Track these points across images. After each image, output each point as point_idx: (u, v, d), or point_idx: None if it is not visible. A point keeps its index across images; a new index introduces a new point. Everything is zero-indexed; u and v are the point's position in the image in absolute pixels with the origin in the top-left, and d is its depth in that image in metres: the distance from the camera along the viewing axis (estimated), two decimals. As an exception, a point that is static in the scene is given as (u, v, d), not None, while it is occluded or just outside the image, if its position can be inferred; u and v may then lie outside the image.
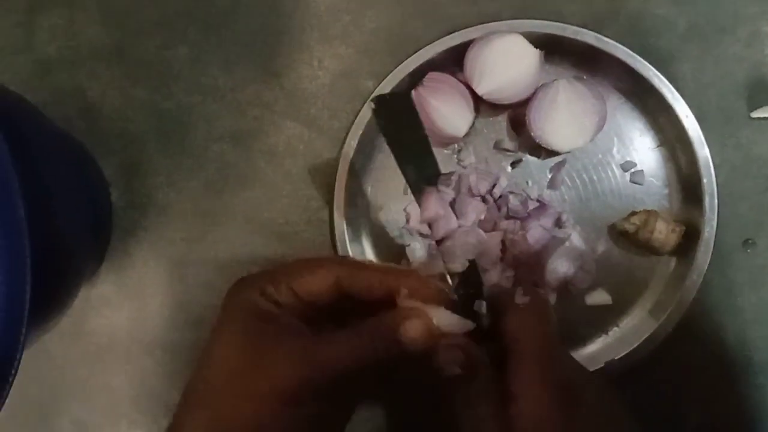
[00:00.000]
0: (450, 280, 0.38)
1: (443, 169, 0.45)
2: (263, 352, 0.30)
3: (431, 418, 0.41)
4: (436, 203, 0.41)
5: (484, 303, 0.36)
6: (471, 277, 0.37)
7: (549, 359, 0.31)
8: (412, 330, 0.31)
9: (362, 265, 0.34)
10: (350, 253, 0.45)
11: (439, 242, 0.42)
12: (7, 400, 0.29)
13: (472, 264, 0.38)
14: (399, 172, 0.45)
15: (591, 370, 0.43)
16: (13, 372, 0.30)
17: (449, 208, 0.42)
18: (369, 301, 0.32)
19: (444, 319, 0.33)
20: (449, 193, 0.43)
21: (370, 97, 0.44)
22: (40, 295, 0.30)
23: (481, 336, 0.34)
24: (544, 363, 0.30)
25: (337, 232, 0.45)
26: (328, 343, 0.31)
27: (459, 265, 0.40)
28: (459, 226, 0.42)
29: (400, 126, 0.41)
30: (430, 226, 0.42)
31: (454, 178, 0.44)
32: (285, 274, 0.33)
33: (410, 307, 0.32)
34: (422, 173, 0.41)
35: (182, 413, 0.32)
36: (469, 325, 0.33)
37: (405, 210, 0.46)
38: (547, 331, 0.32)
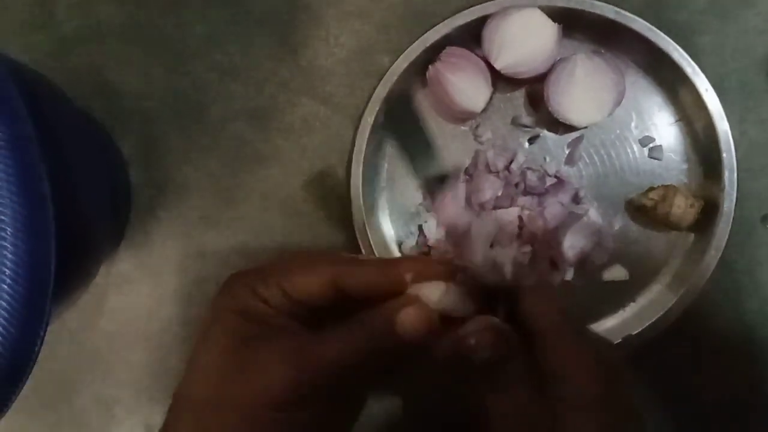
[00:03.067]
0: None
1: (461, 148, 0.46)
2: (250, 356, 0.28)
3: (447, 408, 0.40)
4: (450, 205, 0.42)
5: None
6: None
7: (579, 334, 0.29)
8: (408, 319, 0.28)
9: (359, 261, 0.31)
10: (367, 231, 0.45)
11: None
12: (30, 375, 0.30)
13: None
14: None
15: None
16: (37, 347, 0.30)
17: (462, 207, 0.42)
18: (371, 300, 0.30)
19: (448, 298, 0.30)
20: (458, 195, 0.43)
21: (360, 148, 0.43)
22: (62, 271, 0.31)
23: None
24: (577, 338, 0.29)
25: (354, 209, 0.45)
26: (319, 341, 0.28)
27: (481, 258, 0.41)
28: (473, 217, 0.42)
29: (410, 128, 0.43)
30: (446, 232, 0.43)
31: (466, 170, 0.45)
32: (276, 273, 0.30)
33: (409, 294, 0.30)
34: (432, 174, 0.42)
35: (172, 418, 0.30)
36: (470, 309, 0.31)
37: (420, 187, 0.46)
38: (561, 304, 0.30)
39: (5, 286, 0.29)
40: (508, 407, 0.28)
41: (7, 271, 0.29)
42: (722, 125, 0.43)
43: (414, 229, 0.46)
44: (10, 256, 0.29)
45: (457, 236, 0.42)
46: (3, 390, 0.29)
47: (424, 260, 0.32)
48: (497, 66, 0.42)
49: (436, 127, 0.46)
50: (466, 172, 0.46)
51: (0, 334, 0.28)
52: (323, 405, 0.29)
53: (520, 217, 0.45)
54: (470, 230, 0.42)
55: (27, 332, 0.29)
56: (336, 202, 0.47)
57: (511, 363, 0.29)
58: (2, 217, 0.29)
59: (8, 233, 0.29)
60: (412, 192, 0.47)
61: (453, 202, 0.42)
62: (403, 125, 0.43)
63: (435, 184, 0.44)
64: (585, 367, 0.28)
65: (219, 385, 0.28)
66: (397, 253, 0.46)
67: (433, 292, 0.30)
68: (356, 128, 0.46)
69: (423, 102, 0.46)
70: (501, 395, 0.29)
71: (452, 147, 0.46)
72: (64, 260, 0.31)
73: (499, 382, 0.29)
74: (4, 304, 0.29)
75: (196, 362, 0.30)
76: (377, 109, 0.45)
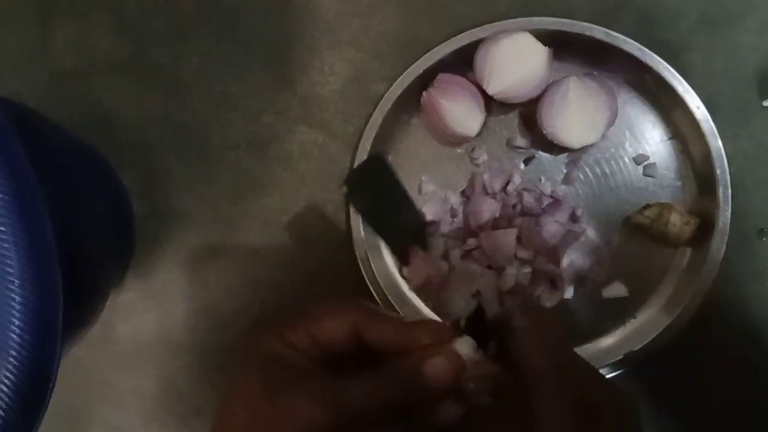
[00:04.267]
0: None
1: (457, 171, 0.46)
2: (281, 398, 0.29)
3: None
4: (423, 264, 0.43)
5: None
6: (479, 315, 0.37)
7: (557, 376, 0.30)
8: (437, 367, 0.30)
9: (381, 315, 0.32)
10: (368, 256, 0.45)
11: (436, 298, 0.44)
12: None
13: (478, 305, 0.39)
14: (413, 173, 0.46)
15: (610, 361, 0.44)
16: (50, 386, 0.31)
17: (438, 263, 0.44)
18: (386, 352, 0.31)
19: (464, 348, 0.31)
20: (437, 245, 0.45)
21: (343, 182, 0.45)
22: (70, 309, 0.31)
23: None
24: (553, 381, 0.29)
25: (354, 235, 0.46)
26: (349, 385, 0.29)
27: (464, 306, 0.42)
28: (450, 270, 0.44)
29: (376, 194, 0.43)
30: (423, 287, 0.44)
31: (442, 225, 0.46)
32: (303, 318, 0.31)
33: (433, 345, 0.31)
34: (407, 233, 0.44)
35: None
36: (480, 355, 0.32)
37: (421, 210, 0.47)
38: (549, 348, 0.31)
39: (15, 336, 0.29)
40: None
41: (16, 321, 0.29)
42: (715, 142, 0.43)
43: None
44: (18, 307, 0.29)
45: (435, 290, 0.43)
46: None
47: (440, 327, 0.32)
48: (489, 92, 0.43)
49: (432, 150, 0.47)
50: (463, 194, 0.47)
51: (10, 389, 0.28)
52: None
53: (518, 238, 0.45)
54: (448, 288, 0.43)
55: (37, 381, 0.30)
56: (337, 229, 0.47)
57: (506, 406, 0.30)
58: (9, 270, 0.29)
59: (16, 285, 0.29)
60: (410, 215, 0.47)
61: (425, 260, 0.43)
62: (371, 193, 0.44)
63: (410, 241, 0.45)
64: (555, 409, 0.29)
65: (253, 426, 0.29)
66: (398, 278, 0.47)
67: (464, 347, 0.31)
68: (353, 154, 0.46)
69: (418, 126, 0.47)
70: None
71: (448, 170, 0.47)
72: (73, 298, 0.31)
73: (493, 424, 0.30)
74: (14, 353, 0.29)
75: (228, 406, 0.31)
76: (373, 135, 0.46)
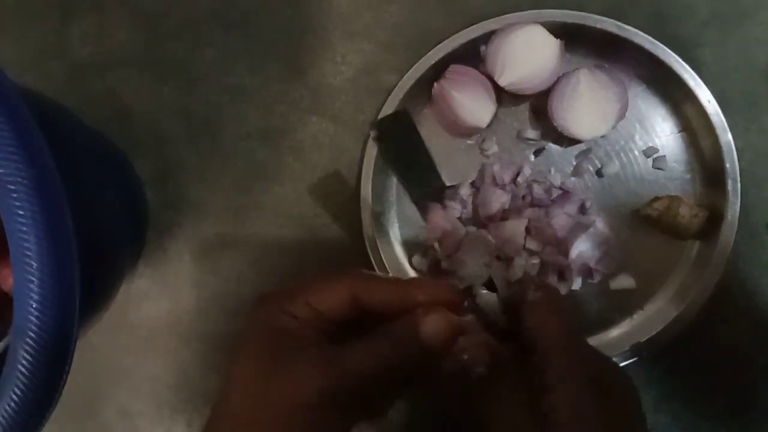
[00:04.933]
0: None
1: (467, 162, 0.47)
2: (282, 365, 0.30)
3: (460, 417, 0.41)
4: (441, 220, 0.43)
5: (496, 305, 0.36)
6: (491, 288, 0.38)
7: (574, 349, 0.31)
8: (432, 324, 0.30)
9: (377, 278, 0.33)
10: (378, 245, 0.46)
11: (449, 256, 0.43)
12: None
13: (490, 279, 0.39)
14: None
15: (617, 352, 0.45)
16: (67, 368, 0.32)
17: (456, 222, 0.44)
18: (387, 316, 0.32)
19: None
20: (455, 207, 0.44)
21: (372, 125, 0.44)
22: (85, 294, 0.32)
23: (500, 338, 0.34)
24: (570, 353, 0.30)
25: (364, 224, 0.46)
26: (348, 350, 0.30)
27: (472, 274, 0.42)
28: (466, 234, 0.44)
29: (402, 145, 0.43)
30: (438, 243, 0.44)
31: (461, 189, 0.46)
32: (302, 289, 0.32)
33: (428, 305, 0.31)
34: (426, 189, 0.43)
35: (210, 427, 0.32)
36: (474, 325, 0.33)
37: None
38: (564, 322, 0.32)
39: (32, 318, 0.30)
40: (503, 417, 0.30)
41: (34, 304, 0.30)
42: (725, 136, 0.43)
43: (423, 239, 0.47)
44: (36, 289, 0.30)
45: (449, 249, 0.44)
46: (34, 419, 0.30)
47: (435, 284, 0.33)
48: (501, 83, 0.43)
49: (443, 141, 0.47)
50: (473, 185, 0.47)
51: (28, 370, 0.29)
52: (346, 414, 0.30)
53: (527, 229, 0.45)
54: (462, 249, 0.43)
55: (54, 362, 0.31)
56: (348, 218, 0.48)
57: (504, 377, 0.30)
58: (27, 252, 0.30)
59: (34, 267, 0.30)
60: (420, 206, 0.47)
61: (443, 216, 0.43)
62: (397, 143, 0.44)
63: (429, 198, 0.45)
64: (571, 379, 0.29)
65: (255, 392, 0.30)
66: (408, 267, 0.47)
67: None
68: (365, 145, 0.47)
69: (429, 117, 0.47)
70: (496, 405, 0.31)
71: (459, 161, 0.47)
72: (88, 283, 0.32)
73: (500, 394, 0.31)
74: (32, 334, 0.30)
75: (233, 375, 0.31)
76: (385, 126, 0.46)
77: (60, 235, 0.31)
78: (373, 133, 0.43)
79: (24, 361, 0.30)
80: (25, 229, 0.30)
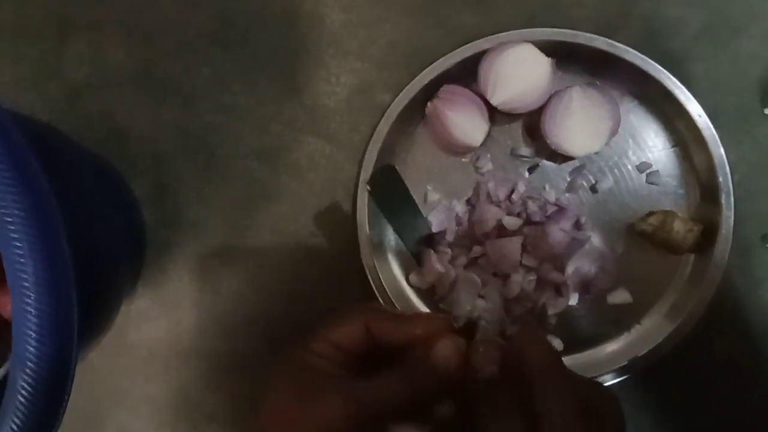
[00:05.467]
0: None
1: (462, 179, 0.47)
2: (311, 398, 0.32)
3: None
4: (436, 263, 0.45)
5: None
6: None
7: (562, 375, 0.31)
8: (443, 350, 0.33)
9: (385, 313, 0.36)
10: (375, 263, 0.46)
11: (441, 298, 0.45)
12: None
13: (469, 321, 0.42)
14: (418, 182, 0.47)
15: (614, 367, 0.45)
16: (66, 396, 0.32)
17: (448, 265, 0.45)
18: (397, 347, 0.34)
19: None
20: (446, 252, 0.46)
21: (364, 180, 0.46)
22: (85, 317, 0.32)
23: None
24: (558, 379, 0.31)
25: (361, 243, 0.46)
26: (370, 382, 0.32)
27: (466, 311, 0.44)
28: (455, 276, 0.45)
29: (392, 197, 0.46)
30: (433, 287, 0.46)
31: (447, 233, 0.47)
32: (322, 327, 0.35)
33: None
34: (418, 236, 0.46)
35: None
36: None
37: (427, 218, 0.47)
38: (548, 349, 0.33)
39: (31, 348, 0.30)
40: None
41: (33, 334, 0.30)
42: (717, 150, 0.43)
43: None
44: (34, 320, 0.30)
45: (444, 290, 0.45)
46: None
47: (432, 318, 0.36)
48: (493, 103, 0.44)
49: (438, 159, 0.47)
50: (469, 202, 0.47)
51: (27, 400, 0.29)
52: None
53: (523, 246, 0.46)
54: (456, 289, 0.44)
55: (53, 391, 0.31)
56: (344, 236, 0.48)
57: (508, 392, 0.32)
58: (25, 284, 0.30)
59: (32, 298, 0.30)
60: (417, 223, 0.48)
61: (439, 259, 0.45)
62: (387, 195, 0.46)
63: (421, 246, 0.47)
64: (566, 410, 0.30)
65: (288, 423, 0.32)
66: (405, 285, 0.47)
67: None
68: (360, 164, 0.47)
69: (423, 136, 0.48)
70: (497, 421, 0.31)
71: (454, 179, 0.47)
72: (87, 307, 0.32)
73: (497, 409, 0.31)
74: (31, 364, 0.30)
75: (263, 413, 0.34)
76: (379, 145, 0.46)
77: (57, 264, 0.31)
78: (368, 188, 0.46)
79: (23, 391, 0.30)
80: (22, 260, 0.30)
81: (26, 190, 0.31)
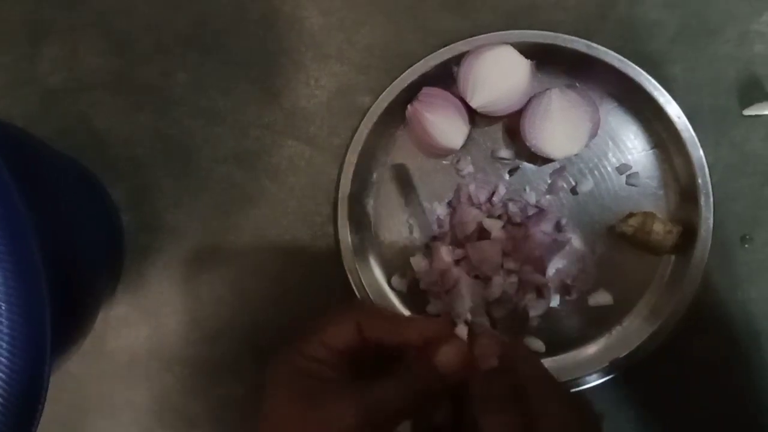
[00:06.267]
0: None
1: (443, 182, 0.47)
2: (317, 406, 0.32)
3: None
4: (446, 257, 0.45)
5: None
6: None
7: (553, 380, 0.32)
8: (446, 356, 0.33)
9: (378, 314, 0.36)
10: (356, 267, 0.46)
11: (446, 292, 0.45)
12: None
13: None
14: (399, 184, 0.47)
15: (596, 368, 0.45)
16: (40, 407, 0.31)
17: (451, 263, 0.46)
18: (389, 348, 0.34)
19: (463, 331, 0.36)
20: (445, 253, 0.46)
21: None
22: (61, 325, 0.32)
23: None
24: (551, 383, 0.32)
25: (342, 246, 0.46)
26: (375, 387, 0.32)
27: (466, 309, 0.44)
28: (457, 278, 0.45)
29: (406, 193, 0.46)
30: (415, 290, 0.46)
31: (437, 209, 0.47)
32: (314, 331, 0.34)
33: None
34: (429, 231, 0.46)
35: None
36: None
37: (408, 221, 0.47)
38: (529, 357, 0.35)
39: (4, 360, 0.30)
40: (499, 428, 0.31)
41: (5, 345, 0.30)
42: (696, 152, 0.44)
43: (402, 263, 0.48)
44: (6, 330, 0.30)
45: (448, 285, 0.45)
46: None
47: (427, 322, 0.36)
48: (473, 105, 0.43)
49: (419, 161, 0.47)
50: (450, 205, 0.47)
51: (1, 413, 0.29)
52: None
53: (504, 248, 0.46)
54: (459, 286, 0.44)
55: (27, 403, 0.30)
56: (326, 240, 0.48)
57: (504, 386, 0.32)
58: (-3, 294, 0.29)
59: (3, 308, 0.30)
60: (399, 227, 0.48)
61: (448, 255, 0.44)
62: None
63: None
64: (564, 410, 0.31)
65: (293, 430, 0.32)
66: (387, 288, 0.47)
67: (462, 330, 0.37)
68: (341, 167, 0.47)
69: (403, 139, 0.47)
70: (494, 416, 0.31)
71: (435, 181, 0.47)
72: (63, 314, 0.32)
73: (494, 405, 0.32)
74: (3, 377, 0.30)
75: (267, 423, 0.33)
76: (359, 148, 0.46)
77: (28, 275, 0.31)
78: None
79: (-4, 403, 0.30)
80: (-8, 271, 0.29)
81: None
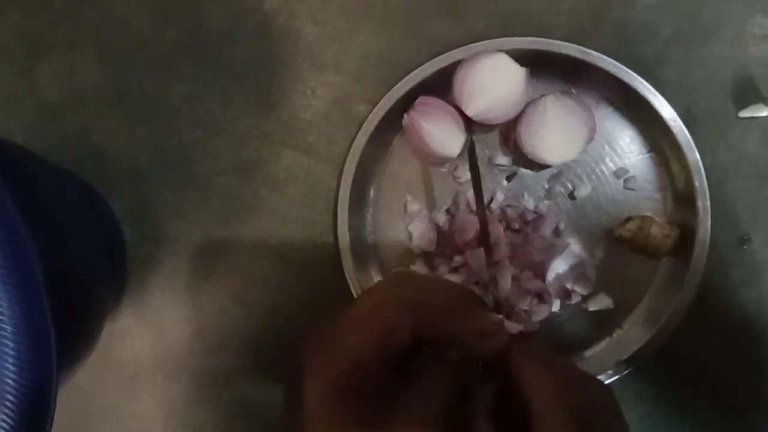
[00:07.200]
0: None
1: (441, 189, 0.47)
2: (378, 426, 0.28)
3: None
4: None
5: None
6: None
7: (552, 386, 0.30)
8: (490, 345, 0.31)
9: (431, 303, 0.31)
10: (357, 274, 0.46)
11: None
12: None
13: None
14: (398, 193, 0.47)
15: (598, 372, 0.45)
16: (48, 426, 0.32)
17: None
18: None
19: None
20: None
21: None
22: (67, 340, 0.32)
23: None
24: (549, 392, 0.30)
25: (342, 255, 0.47)
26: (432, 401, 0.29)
27: (505, 293, 0.44)
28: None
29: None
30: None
31: (428, 244, 0.47)
32: (364, 340, 0.29)
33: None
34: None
35: None
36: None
37: (407, 229, 0.48)
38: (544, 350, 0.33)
39: (10, 381, 0.30)
40: None
41: (11, 367, 0.30)
42: (692, 155, 0.44)
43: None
44: (12, 353, 0.30)
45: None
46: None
47: (492, 320, 0.33)
48: (469, 114, 0.44)
49: (416, 169, 0.48)
50: (448, 211, 0.47)
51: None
52: None
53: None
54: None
55: (35, 422, 0.31)
56: (326, 249, 0.48)
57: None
58: (1, 316, 0.30)
59: (8, 331, 0.30)
60: (398, 234, 0.48)
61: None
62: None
63: None
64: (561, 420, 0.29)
65: None
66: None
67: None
68: (339, 176, 0.47)
69: (401, 147, 0.48)
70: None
71: (433, 188, 0.47)
72: (68, 329, 0.32)
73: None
74: (10, 398, 0.30)
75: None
76: (358, 157, 0.46)
77: (32, 295, 0.31)
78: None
79: (4, 424, 0.30)
80: (-4, 294, 0.30)
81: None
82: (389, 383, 0.29)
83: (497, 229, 0.45)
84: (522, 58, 0.44)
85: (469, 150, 0.44)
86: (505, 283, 0.45)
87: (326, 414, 0.29)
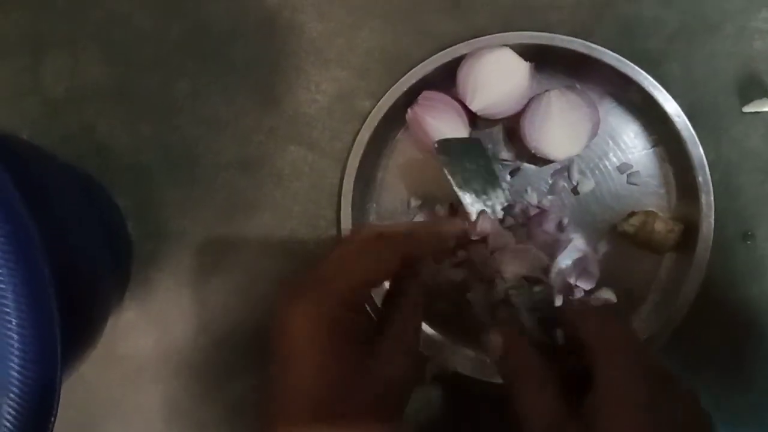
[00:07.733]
0: None
1: (445, 184, 0.47)
2: (361, 357, 0.31)
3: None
4: (491, 222, 0.44)
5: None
6: (542, 300, 0.40)
7: (636, 350, 0.32)
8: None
9: (418, 236, 0.36)
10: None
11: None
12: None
13: (543, 289, 0.41)
14: (401, 188, 0.47)
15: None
16: (52, 418, 0.32)
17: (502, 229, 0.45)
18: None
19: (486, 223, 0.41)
20: (509, 221, 0.45)
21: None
22: (71, 333, 0.32)
23: (556, 353, 0.37)
24: (631, 353, 0.31)
25: (346, 250, 0.47)
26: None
27: (509, 273, 0.43)
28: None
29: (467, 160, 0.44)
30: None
31: (440, 212, 0.47)
32: (342, 274, 0.32)
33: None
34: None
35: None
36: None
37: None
38: (624, 328, 0.34)
39: (15, 373, 0.30)
40: (541, 410, 0.31)
41: (16, 359, 0.30)
42: (696, 150, 0.44)
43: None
44: (17, 345, 0.30)
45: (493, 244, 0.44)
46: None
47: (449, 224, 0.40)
48: (473, 109, 0.44)
49: (420, 164, 0.48)
50: (451, 206, 0.47)
51: (13, 425, 0.29)
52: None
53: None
54: (503, 253, 0.44)
55: (39, 414, 0.31)
56: (330, 244, 0.48)
57: (546, 371, 0.32)
58: (6, 309, 0.30)
59: (14, 324, 0.30)
60: (401, 229, 0.48)
61: (491, 221, 0.44)
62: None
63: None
64: (634, 373, 0.31)
65: (340, 381, 0.30)
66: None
67: (486, 222, 0.42)
68: (343, 171, 0.47)
69: (405, 141, 0.48)
70: (534, 398, 0.32)
71: (437, 183, 0.47)
72: (73, 322, 0.32)
73: (535, 386, 0.32)
74: (15, 389, 0.30)
75: (298, 372, 0.30)
76: (361, 152, 0.46)
77: (37, 288, 0.31)
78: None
79: (9, 416, 0.30)
80: (2, 285, 0.30)
81: (4, 215, 0.31)
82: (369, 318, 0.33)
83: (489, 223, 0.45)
84: (526, 52, 0.44)
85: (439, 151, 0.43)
86: (510, 269, 0.44)
87: (317, 341, 0.30)
